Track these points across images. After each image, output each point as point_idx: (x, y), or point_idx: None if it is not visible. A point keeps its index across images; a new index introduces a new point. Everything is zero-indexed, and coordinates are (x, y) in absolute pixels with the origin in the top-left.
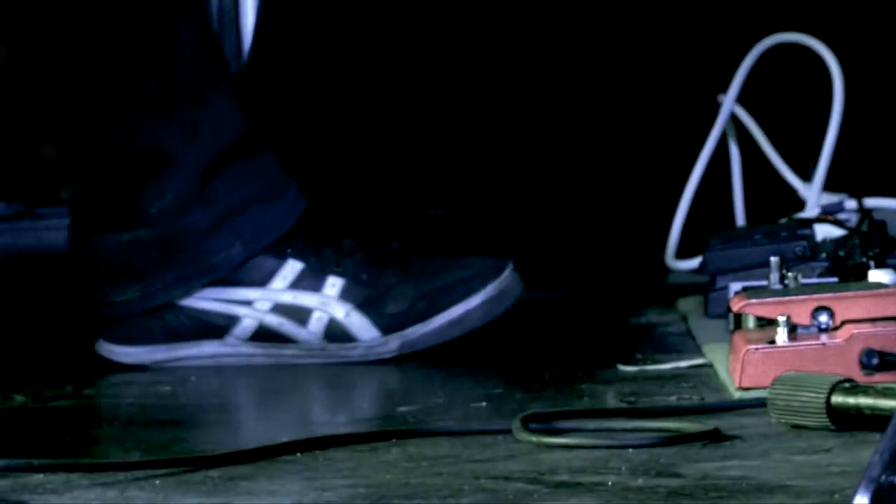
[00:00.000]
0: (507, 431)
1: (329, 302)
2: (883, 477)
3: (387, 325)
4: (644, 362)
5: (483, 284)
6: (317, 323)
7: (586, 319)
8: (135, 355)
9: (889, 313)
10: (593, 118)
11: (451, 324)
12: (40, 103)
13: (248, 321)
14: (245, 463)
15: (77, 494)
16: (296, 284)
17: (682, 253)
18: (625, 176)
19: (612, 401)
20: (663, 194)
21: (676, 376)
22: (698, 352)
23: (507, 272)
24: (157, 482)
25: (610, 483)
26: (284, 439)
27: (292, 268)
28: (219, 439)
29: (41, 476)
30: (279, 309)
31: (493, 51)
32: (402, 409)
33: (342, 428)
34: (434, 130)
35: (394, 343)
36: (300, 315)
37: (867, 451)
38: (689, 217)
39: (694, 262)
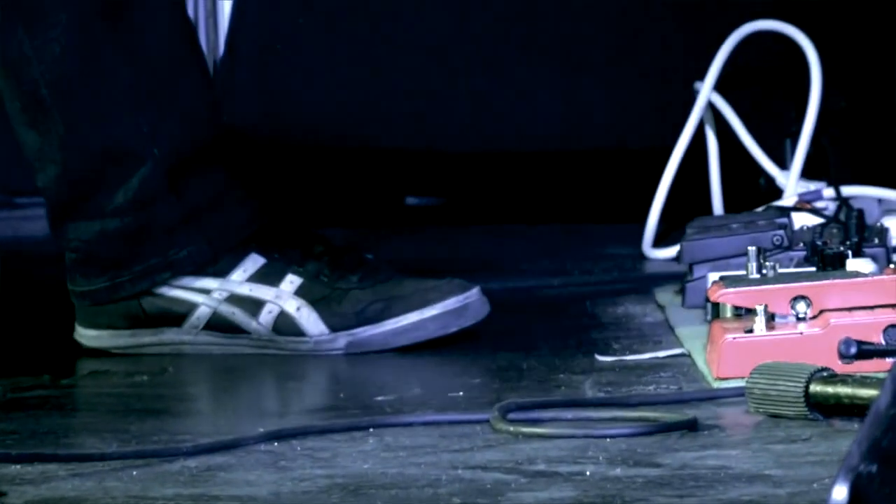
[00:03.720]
0: (485, 421)
1: (283, 296)
2: (861, 466)
3: (337, 324)
4: (622, 352)
5: (441, 299)
6: (266, 315)
7: (563, 309)
8: (98, 339)
9: (867, 302)
10: (571, 105)
11: (402, 330)
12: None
13: (204, 309)
14: (223, 453)
15: (54, 485)
16: (254, 278)
17: (659, 241)
18: (602, 164)
19: (589, 391)
20: (640, 182)
21: (654, 366)
22: (676, 342)
23: (471, 293)
24: (135, 473)
25: (588, 473)
26: (262, 429)
27: (253, 262)
28: (196, 429)
29: (18, 467)
30: (233, 299)
31: (468, 38)
32: (379, 398)
33: (319, 418)
34: (413, 114)
35: (342, 340)
36: (252, 307)
37: (846, 441)
38: (666, 205)
39: (671, 251)
